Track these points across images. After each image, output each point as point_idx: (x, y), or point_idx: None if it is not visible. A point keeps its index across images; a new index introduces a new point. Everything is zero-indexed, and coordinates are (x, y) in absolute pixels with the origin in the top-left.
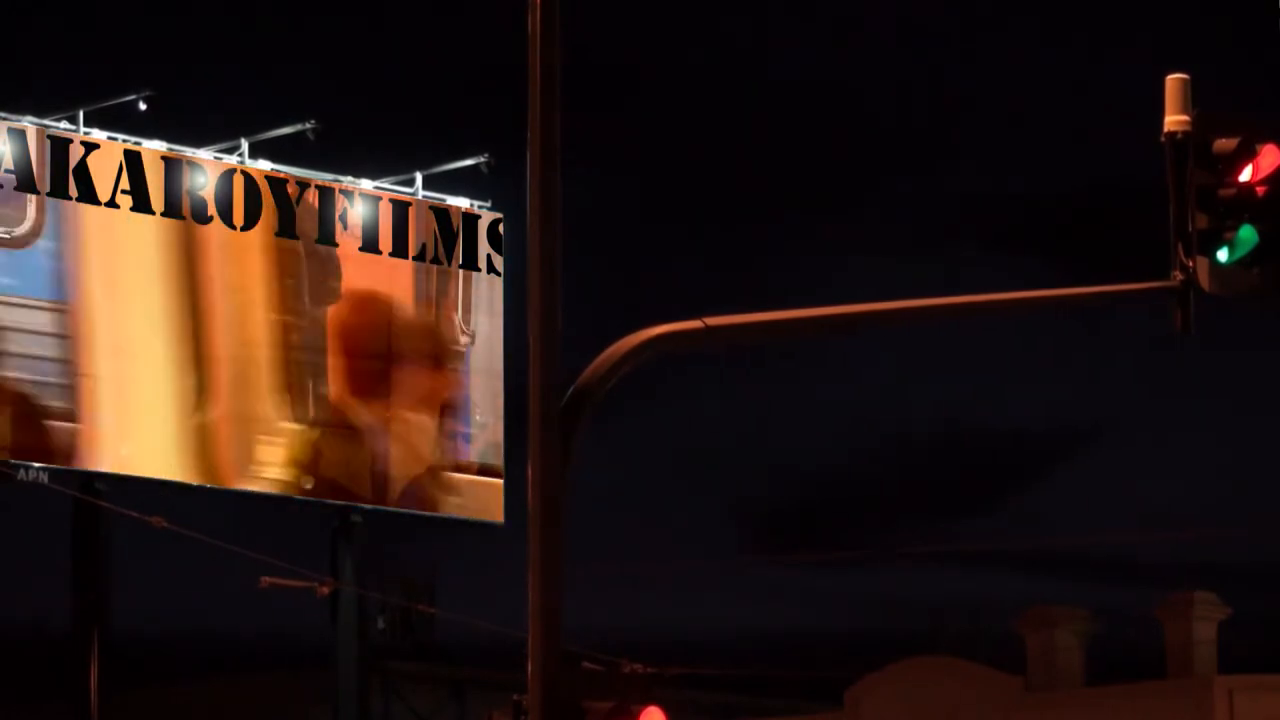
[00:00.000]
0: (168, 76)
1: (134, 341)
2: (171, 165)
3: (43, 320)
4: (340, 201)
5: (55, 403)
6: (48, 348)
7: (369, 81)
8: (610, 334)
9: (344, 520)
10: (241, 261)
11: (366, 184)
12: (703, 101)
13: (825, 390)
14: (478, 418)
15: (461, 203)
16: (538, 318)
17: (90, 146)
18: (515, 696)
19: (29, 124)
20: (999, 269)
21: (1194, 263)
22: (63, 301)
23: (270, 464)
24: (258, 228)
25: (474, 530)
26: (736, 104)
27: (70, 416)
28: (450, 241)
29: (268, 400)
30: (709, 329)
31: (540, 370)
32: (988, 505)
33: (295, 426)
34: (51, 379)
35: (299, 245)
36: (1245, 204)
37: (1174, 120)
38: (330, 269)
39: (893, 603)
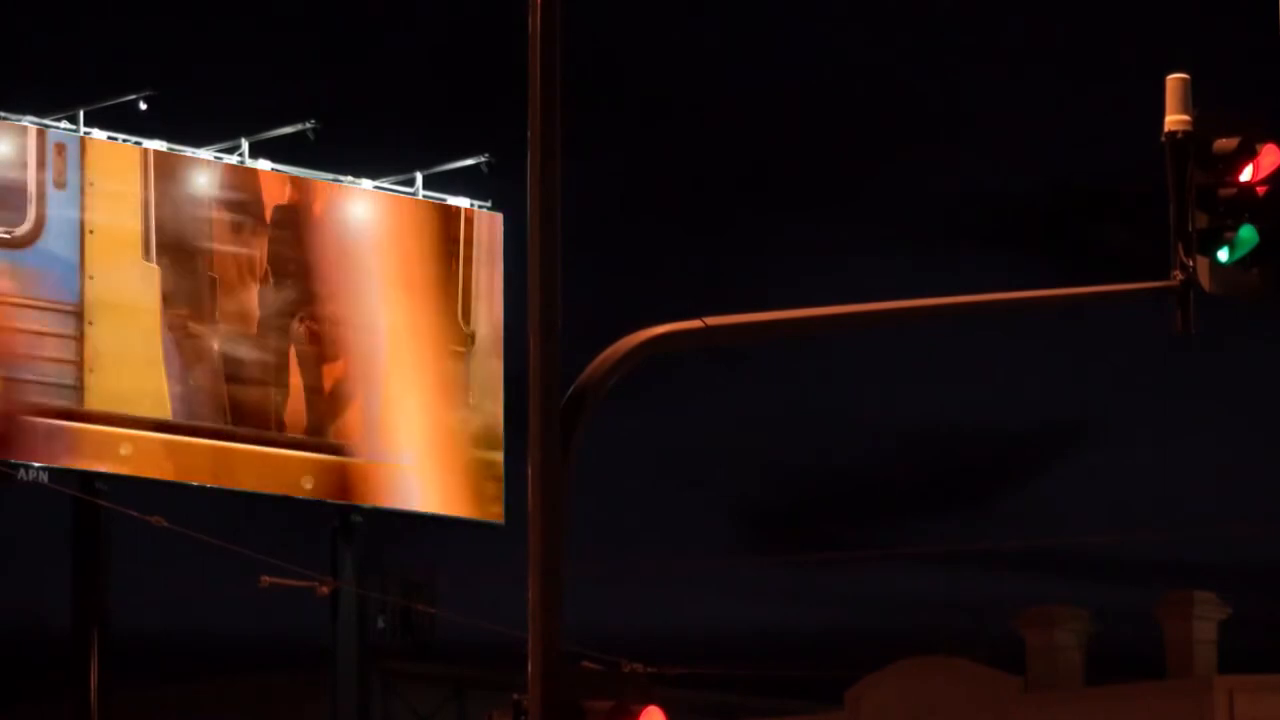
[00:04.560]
0: (168, 76)
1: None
2: (172, 165)
3: (46, 321)
4: (340, 201)
5: (60, 402)
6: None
7: (369, 81)
8: (610, 334)
9: (344, 520)
10: (242, 261)
11: (366, 184)
12: (703, 101)
13: (825, 389)
14: (477, 416)
15: (461, 203)
16: (538, 318)
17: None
18: (515, 696)
19: (29, 124)
20: (998, 268)
21: (1194, 263)
22: (65, 302)
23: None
24: (258, 227)
25: (474, 530)
26: (736, 103)
27: (73, 416)
28: (450, 241)
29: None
30: (709, 329)
31: (540, 370)
32: (988, 505)
33: (298, 423)
34: (56, 380)
35: (299, 244)
36: (1245, 204)
37: (1174, 120)
38: (330, 269)
39: (893, 603)
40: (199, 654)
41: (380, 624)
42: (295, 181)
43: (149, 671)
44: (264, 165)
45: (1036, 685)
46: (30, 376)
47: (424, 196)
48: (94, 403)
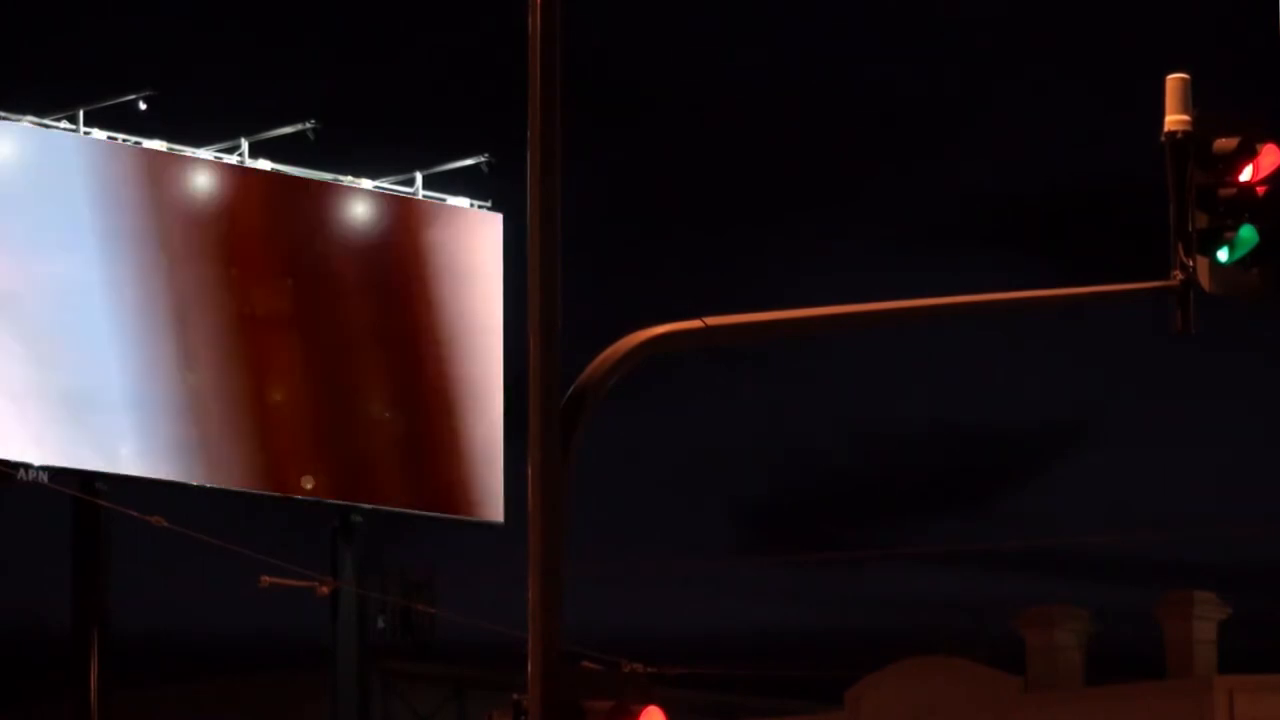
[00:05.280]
0: (168, 76)
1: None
2: (171, 165)
3: None
4: (340, 201)
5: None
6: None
7: (369, 81)
8: (610, 334)
9: (344, 520)
10: (242, 261)
11: (366, 184)
12: (703, 101)
13: (825, 389)
14: (477, 416)
15: (461, 203)
16: (538, 318)
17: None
18: (515, 696)
19: (29, 124)
20: (998, 268)
21: (1194, 263)
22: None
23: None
24: (258, 229)
25: (474, 530)
26: (736, 103)
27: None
28: (450, 242)
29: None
30: (709, 329)
31: (540, 370)
32: (988, 505)
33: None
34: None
35: (299, 245)
36: (1245, 204)
37: (1174, 120)
38: (331, 269)
39: (893, 603)
40: (199, 654)
41: (380, 624)
42: (296, 181)
43: (149, 671)
44: (264, 165)
45: (1036, 685)
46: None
47: (424, 196)
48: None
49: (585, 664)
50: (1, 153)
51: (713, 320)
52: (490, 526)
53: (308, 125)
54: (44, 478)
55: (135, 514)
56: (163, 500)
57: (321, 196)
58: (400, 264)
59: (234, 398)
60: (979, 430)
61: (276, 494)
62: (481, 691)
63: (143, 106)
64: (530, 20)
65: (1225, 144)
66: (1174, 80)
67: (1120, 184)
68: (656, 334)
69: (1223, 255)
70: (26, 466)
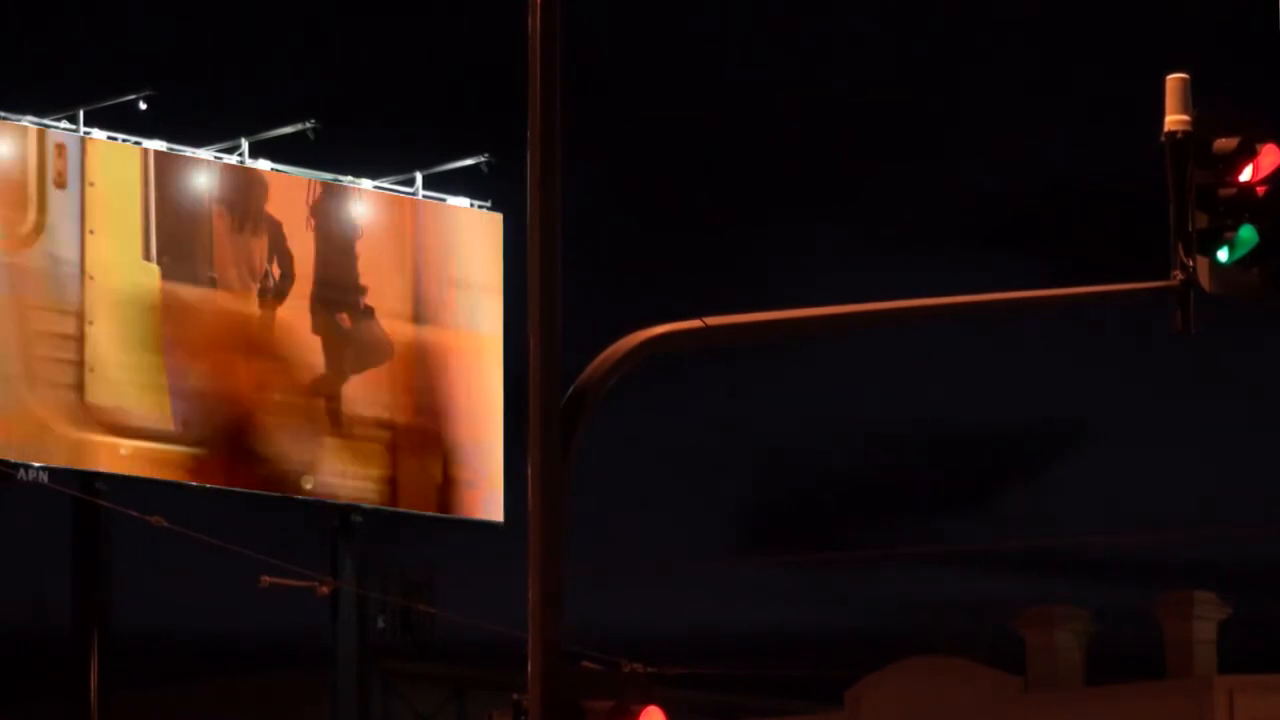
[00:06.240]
0: (168, 76)
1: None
2: (172, 164)
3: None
4: (340, 201)
5: (60, 403)
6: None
7: (369, 81)
8: (610, 334)
9: (344, 520)
10: (241, 260)
11: (366, 184)
12: (702, 101)
13: (825, 389)
14: (477, 416)
15: (461, 203)
16: (538, 318)
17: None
18: (515, 696)
19: (29, 124)
20: (998, 268)
21: (1194, 263)
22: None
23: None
24: (258, 229)
25: (474, 530)
26: (735, 103)
27: (74, 417)
28: (450, 242)
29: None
30: (708, 329)
31: (540, 370)
32: (988, 505)
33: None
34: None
35: (300, 247)
36: (1245, 204)
37: (1174, 120)
38: (331, 269)
39: (893, 603)
40: (199, 654)
41: (380, 624)
42: (296, 181)
43: (149, 671)
44: (264, 165)
45: (1036, 685)
46: (30, 377)
47: (424, 196)
48: (94, 403)
49: (585, 664)
50: (1, 153)
51: (713, 320)
52: (490, 526)
53: (308, 125)
54: (44, 478)
55: (135, 514)
56: (163, 500)
57: (321, 196)
58: (400, 264)
59: (235, 397)
60: (979, 430)
61: (276, 494)
62: (481, 691)
63: (143, 106)
64: (530, 20)
65: (1225, 144)
66: (1174, 80)
67: (1120, 184)
68: (656, 334)
69: (1223, 255)
70: (26, 467)
